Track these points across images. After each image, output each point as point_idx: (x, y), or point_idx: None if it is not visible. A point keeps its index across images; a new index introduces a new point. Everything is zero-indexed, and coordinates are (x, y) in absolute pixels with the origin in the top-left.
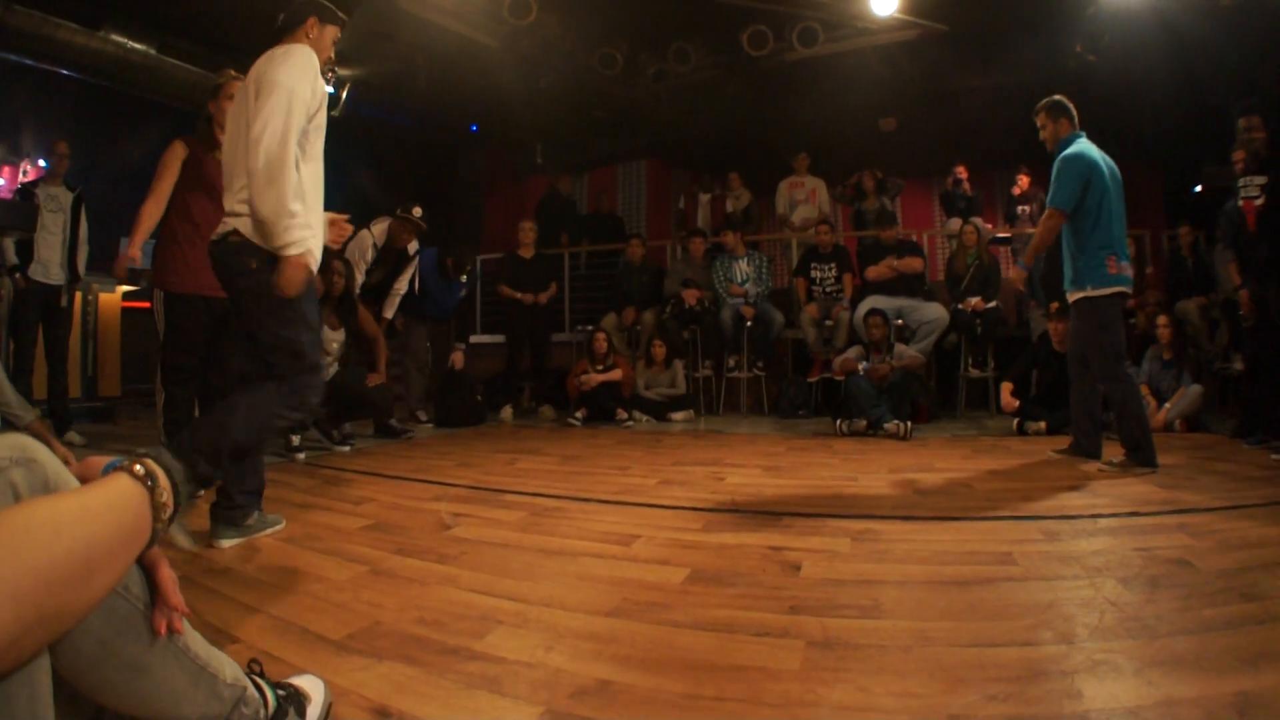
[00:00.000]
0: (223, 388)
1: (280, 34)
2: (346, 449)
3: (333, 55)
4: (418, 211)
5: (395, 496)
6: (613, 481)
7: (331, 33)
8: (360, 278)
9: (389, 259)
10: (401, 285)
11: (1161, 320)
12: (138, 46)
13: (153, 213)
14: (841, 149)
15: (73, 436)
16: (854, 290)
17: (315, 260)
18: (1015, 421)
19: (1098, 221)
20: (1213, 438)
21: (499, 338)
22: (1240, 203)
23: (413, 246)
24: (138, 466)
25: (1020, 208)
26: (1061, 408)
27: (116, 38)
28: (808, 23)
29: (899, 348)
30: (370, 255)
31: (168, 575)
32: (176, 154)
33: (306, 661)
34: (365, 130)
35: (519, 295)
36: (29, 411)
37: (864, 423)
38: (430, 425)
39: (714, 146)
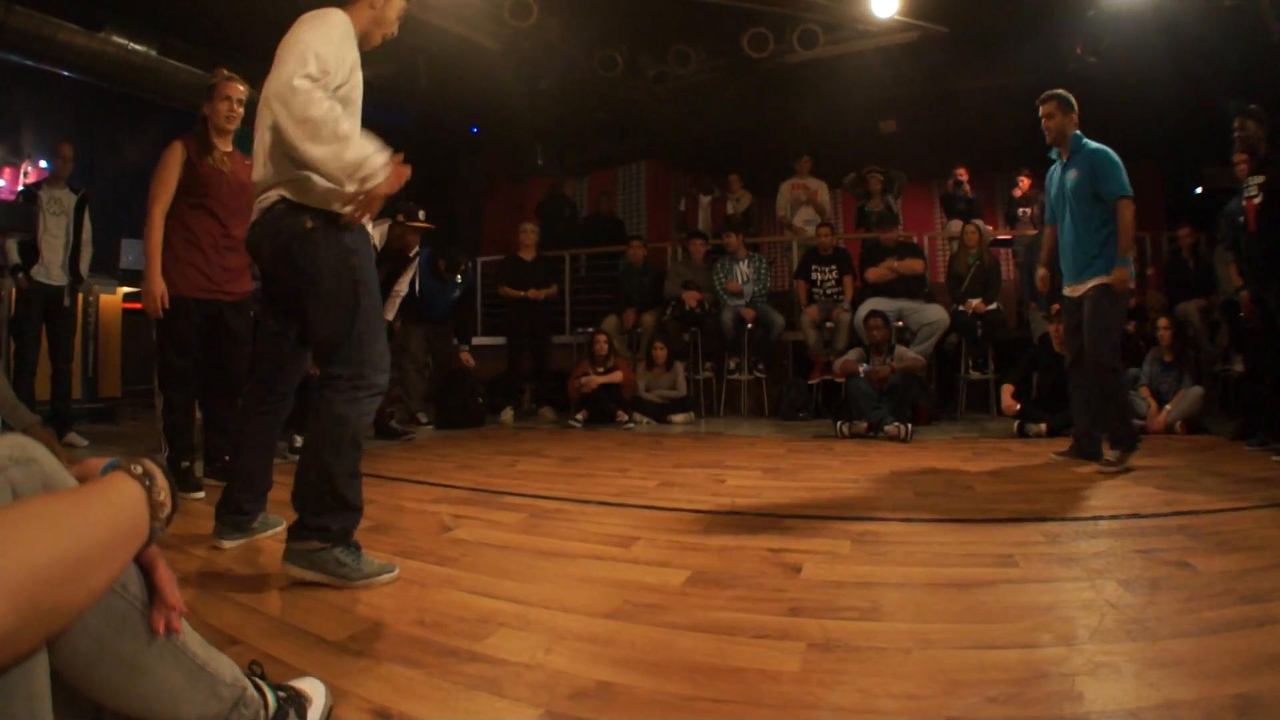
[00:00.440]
0: (225, 390)
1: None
2: None
3: (395, 31)
4: (423, 215)
5: (396, 498)
6: (613, 483)
7: (397, 4)
8: None
9: (389, 260)
10: (402, 287)
11: (1162, 322)
12: (138, 48)
13: (159, 227)
14: (842, 151)
15: (74, 438)
16: (854, 292)
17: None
18: (1016, 424)
19: (1113, 214)
20: (1213, 440)
21: (499, 339)
22: (1244, 202)
23: (414, 249)
24: (136, 466)
25: (1021, 210)
26: (1062, 410)
27: (117, 39)
28: (808, 25)
29: (899, 350)
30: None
31: (166, 574)
32: (176, 155)
33: (306, 663)
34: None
35: (520, 293)
36: (28, 416)
37: (864, 425)
38: (430, 427)
39: (714, 148)
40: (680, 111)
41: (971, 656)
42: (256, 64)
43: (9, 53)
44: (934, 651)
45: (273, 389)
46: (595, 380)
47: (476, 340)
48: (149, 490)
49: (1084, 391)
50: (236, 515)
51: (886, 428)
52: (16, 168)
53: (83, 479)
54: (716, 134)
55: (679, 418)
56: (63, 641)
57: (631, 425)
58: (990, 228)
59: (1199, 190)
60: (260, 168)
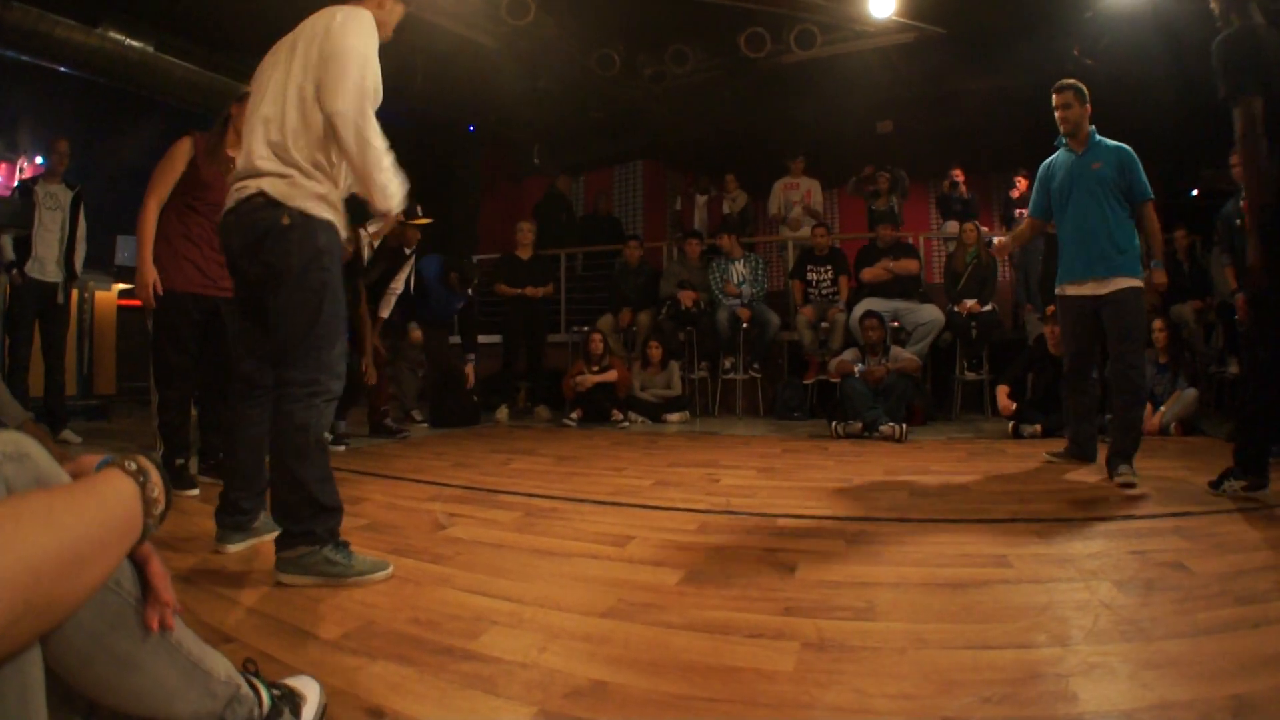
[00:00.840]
0: (221, 388)
1: None
2: (342, 448)
3: (389, 36)
4: (420, 211)
5: (390, 496)
6: (608, 482)
7: (399, 11)
8: (363, 291)
9: (386, 258)
10: (398, 285)
11: (1157, 324)
12: (136, 44)
13: (153, 218)
14: (839, 151)
15: (69, 435)
16: (849, 292)
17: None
18: (1010, 424)
19: (1136, 216)
20: (1208, 441)
21: (495, 338)
22: (1240, 204)
23: (411, 245)
24: (130, 463)
25: (1018, 211)
26: (1057, 411)
27: (115, 35)
28: (805, 25)
29: (895, 350)
30: (367, 255)
31: (159, 571)
32: (184, 151)
33: (301, 661)
34: None
35: (517, 291)
36: (21, 413)
37: (859, 425)
38: (425, 425)
39: (711, 148)
40: (677, 111)
41: (966, 656)
42: (253, 61)
43: (6, 48)
44: (929, 651)
45: (257, 384)
46: (590, 379)
47: None
48: (143, 487)
49: (1081, 395)
50: (236, 515)
51: (881, 428)
52: (13, 164)
53: (77, 475)
54: (713, 134)
55: (674, 417)
56: (57, 638)
57: (626, 424)
58: (987, 229)
59: (1195, 193)
60: (248, 155)
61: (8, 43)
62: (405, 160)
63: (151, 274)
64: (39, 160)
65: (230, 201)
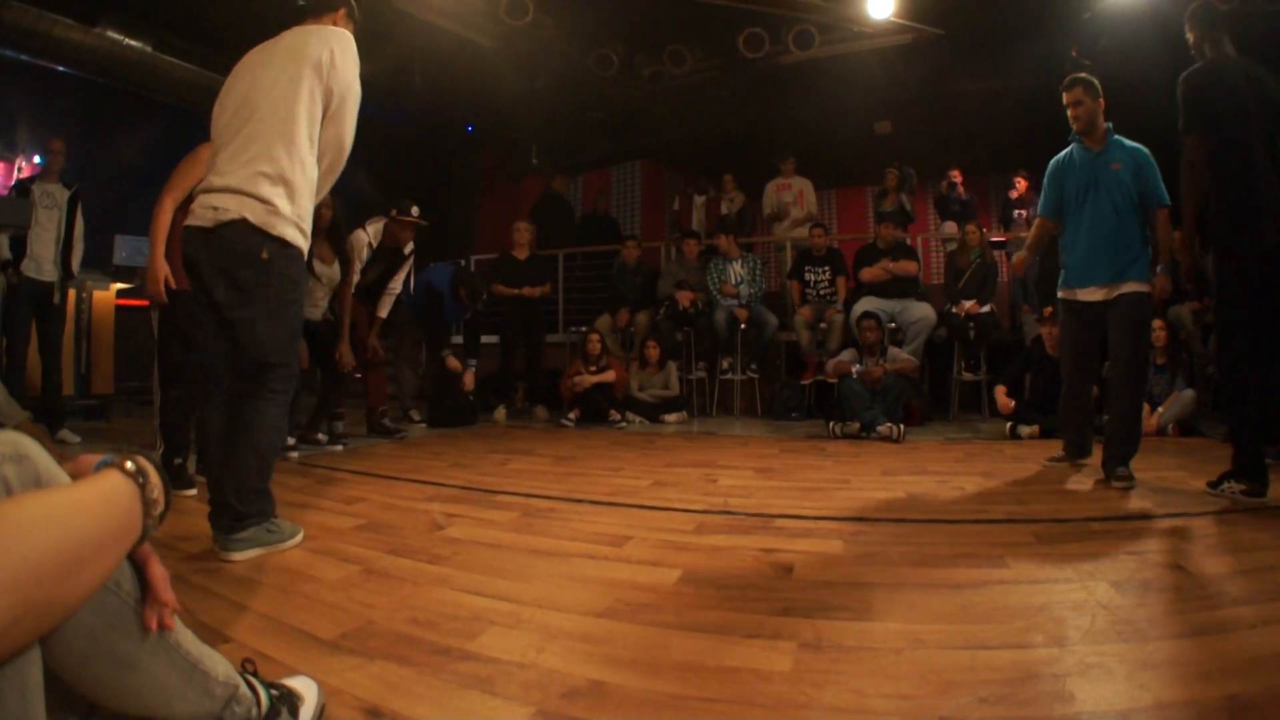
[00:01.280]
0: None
1: (306, 13)
2: (339, 448)
3: None
4: (416, 210)
5: (388, 496)
6: (605, 483)
7: (350, 31)
8: (355, 277)
9: (384, 258)
10: (396, 285)
11: (1156, 324)
12: (134, 44)
13: (168, 217)
14: (837, 152)
15: (66, 434)
16: (847, 293)
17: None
18: (1008, 425)
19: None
20: (1205, 442)
21: (493, 338)
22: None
23: (408, 246)
24: (129, 463)
25: (1016, 211)
26: (1054, 412)
27: (113, 34)
28: (804, 26)
29: (892, 351)
30: (365, 255)
31: (159, 572)
32: (202, 157)
33: (298, 661)
34: (360, 130)
35: (514, 291)
36: (19, 413)
37: (857, 425)
38: (423, 425)
39: (709, 149)
40: (675, 111)
41: (963, 657)
42: None
43: (5, 48)
44: (926, 651)
45: (220, 381)
46: (588, 379)
47: None
48: (142, 487)
49: (1081, 402)
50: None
51: (879, 428)
52: (11, 163)
53: (76, 476)
54: (711, 134)
55: (671, 417)
56: (56, 638)
57: (624, 425)
58: (985, 230)
59: None
60: (224, 171)
61: (6, 42)
62: (404, 160)
63: (164, 269)
64: (37, 160)
65: (205, 219)
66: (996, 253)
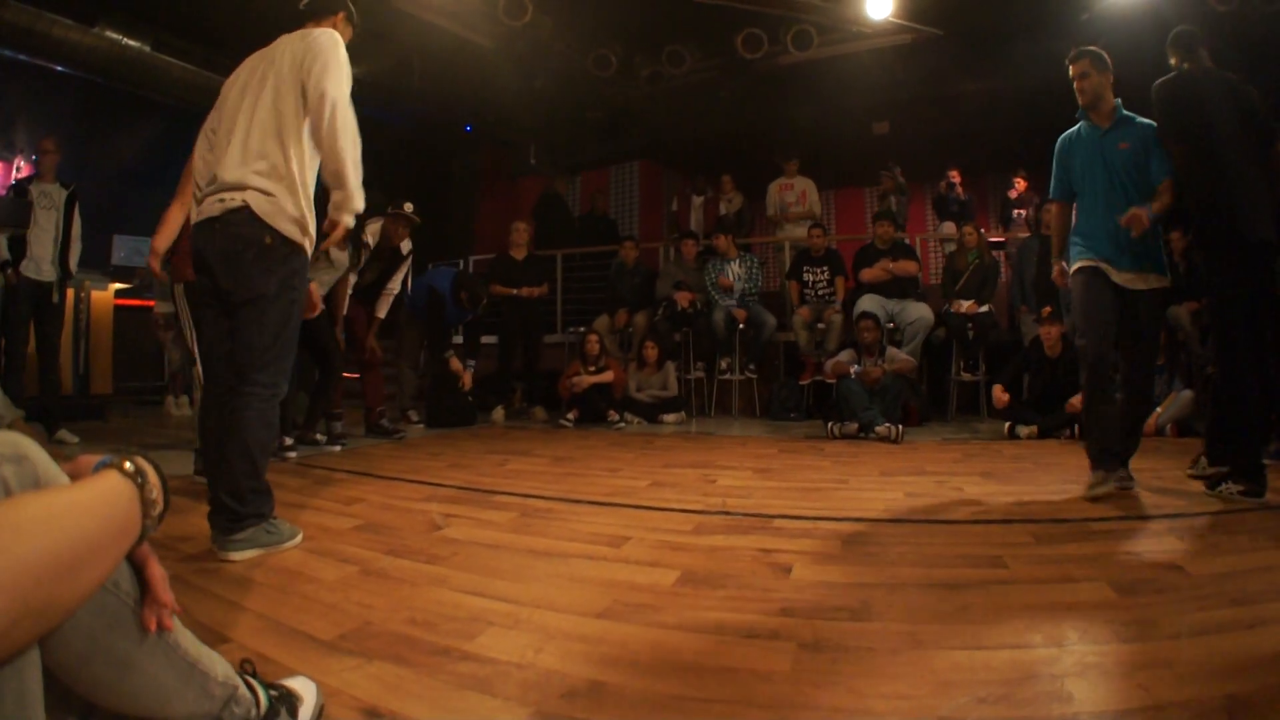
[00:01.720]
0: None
1: (306, 16)
2: (337, 449)
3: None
4: (409, 207)
5: (386, 497)
6: (604, 483)
7: (348, 34)
8: (353, 277)
9: (383, 258)
10: (394, 285)
11: None
12: (132, 43)
13: (180, 215)
14: (835, 153)
15: (64, 434)
16: (846, 293)
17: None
18: (1006, 425)
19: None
20: (1204, 442)
21: (491, 338)
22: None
23: (406, 245)
24: (128, 464)
25: (1015, 211)
26: (1052, 412)
27: (111, 34)
28: (802, 26)
29: (891, 351)
30: (364, 255)
31: (157, 572)
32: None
33: (297, 661)
34: (359, 129)
35: (512, 291)
36: (12, 412)
37: (855, 426)
38: (422, 426)
39: (707, 149)
40: (674, 112)
41: (962, 657)
42: None
43: (3, 47)
44: (924, 652)
45: (222, 380)
46: (586, 380)
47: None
48: (141, 488)
49: (1105, 401)
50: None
51: (877, 428)
52: (9, 163)
53: (75, 476)
54: (710, 135)
55: (670, 418)
56: (55, 639)
57: (622, 425)
58: (984, 231)
59: None
60: (228, 166)
61: (5, 41)
62: (402, 160)
63: (164, 243)
64: (35, 159)
65: (212, 210)
66: (997, 253)
